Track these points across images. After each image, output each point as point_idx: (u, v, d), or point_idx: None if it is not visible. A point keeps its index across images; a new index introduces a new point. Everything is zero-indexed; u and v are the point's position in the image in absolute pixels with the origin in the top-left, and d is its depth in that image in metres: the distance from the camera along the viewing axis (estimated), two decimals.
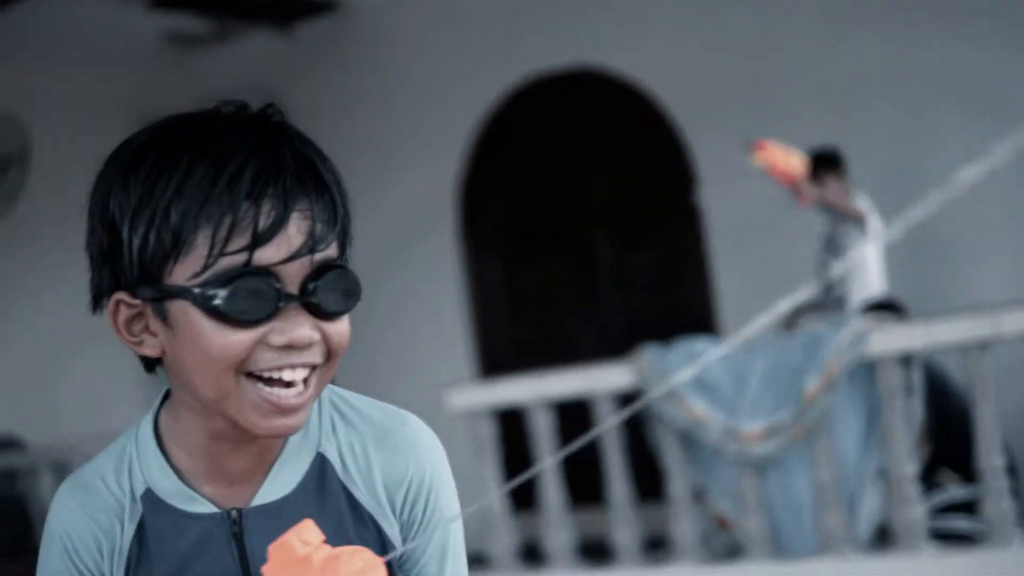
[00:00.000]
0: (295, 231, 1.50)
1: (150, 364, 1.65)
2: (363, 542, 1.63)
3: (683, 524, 7.46)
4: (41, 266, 11.61)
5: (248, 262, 1.48)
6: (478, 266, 11.41)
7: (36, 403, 11.39)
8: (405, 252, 11.45)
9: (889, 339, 6.89)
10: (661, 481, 7.65)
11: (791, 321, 8.45)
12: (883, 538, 7.07)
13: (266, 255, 1.48)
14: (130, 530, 1.65)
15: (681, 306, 10.61)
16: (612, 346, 9.99)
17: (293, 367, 1.53)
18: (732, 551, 7.46)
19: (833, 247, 8.53)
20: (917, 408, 7.05)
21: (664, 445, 7.52)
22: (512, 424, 8.46)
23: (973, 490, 7.00)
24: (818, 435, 6.99)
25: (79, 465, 6.97)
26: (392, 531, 1.69)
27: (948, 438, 7.29)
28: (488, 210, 11.35)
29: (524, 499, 8.07)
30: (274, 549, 1.38)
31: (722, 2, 10.16)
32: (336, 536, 1.60)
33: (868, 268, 8.34)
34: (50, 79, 11.98)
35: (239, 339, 1.50)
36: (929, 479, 7.23)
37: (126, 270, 1.54)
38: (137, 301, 1.56)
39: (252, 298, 1.48)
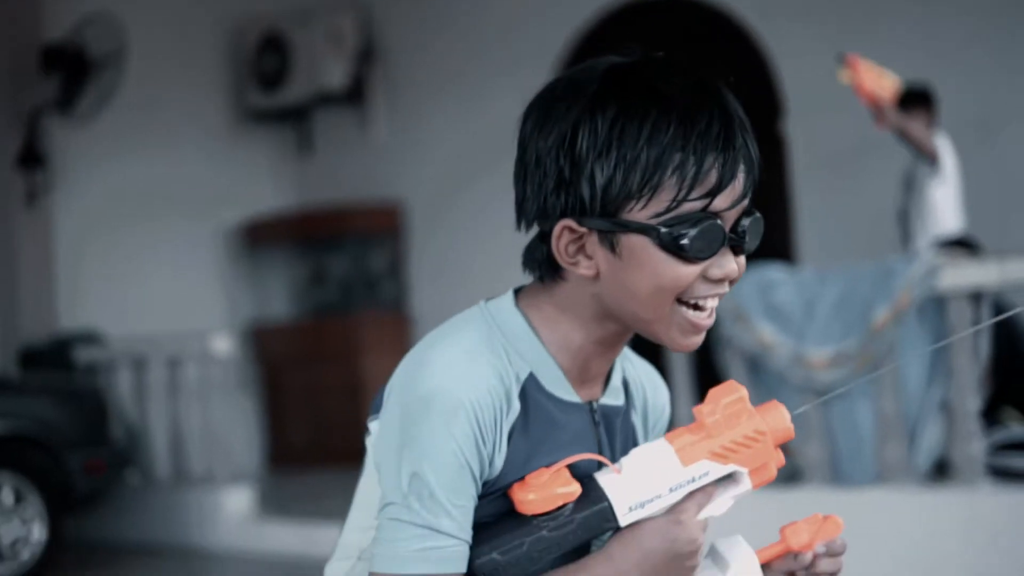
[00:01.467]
0: (739, 183, 1.74)
1: (541, 276, 1.84)
2: (624, 450, 1.90)
3: None
4: (126, 170, 11.78)
5: (706, 208, 1.71)
6: None
7: (117, 299, 11.58)
8: (491, 175, 11.51)
9: (960, 275, 6.87)
10: None
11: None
12: (941, 471, 7.09)
13: (718, 202, 1.72)
14: (517, 405, 1.77)
15: (763, 235, 10.61)
16: None
17: (716, 296, 1.78)
18: (791, 476, 7.50)
19: (908, 184, 8.50)
20: (984, 345, 7.04)
21: (731, 368, 7.56)
22: None
23: None
24: (884, 366, 7.01)
25: (155, 360, 7.06)
26: (641, 437, 2.01)
27: (1013, 376, 7.29)
28: None
29: None
30: (714, 391, 1.75)
31: None
32: (622, 434, 1.93)
33: (938, 207, 8.29)
34: None
35: (689, 272, 1.73)
36: (991, 416, 7.24)
37: (584, 201, 1.73)
38: (583, 229, 1.74)
39: (707, 239, 1.71)
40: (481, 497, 1.75)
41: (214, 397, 10.02)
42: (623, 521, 1.72)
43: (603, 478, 1.73)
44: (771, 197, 10.54)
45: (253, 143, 12.96)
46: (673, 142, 1.69)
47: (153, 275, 11.91)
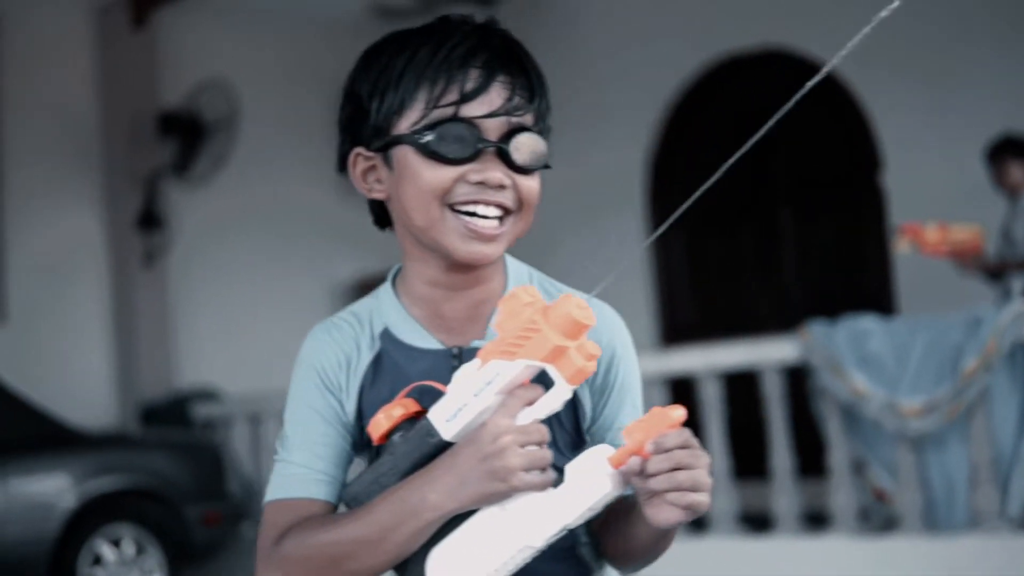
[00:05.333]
0: (496, 96, 1.88)
1: (380, 221, 2.08)
2: None
3: (842, 496, 7.61)
4: (241, 229, 12.10)
5: (456, 114, 1.87)
6: (664, 238, 11.63)
7: (232, 356, 11.87)
8: (594, 224, 11.71)
9: None
10: (822, 455, 7.81)
11: (997, 269, 8.43)
12: None
13: (470, 110, 1.87)
14: (367, 356, 1.98)
15: (860, 283, 10.72)
16: (791, 319, 10.13)
17: (487, 204, 1.90)
18: (888, 524, 7.59)
19: (1005, 236, 8.55)
20: None
21: (827, 418, 7.68)
22: (683, 392, 8.69)
23: None
24: (975, 413, 7.10)
25: (270, 416, 7.46)
26: (583, 395, 1.98)
27: None
28: (676, 185, 11.56)
29: None
30: (503, 301, 1.75)
31: None
32: None
33: None
34: (260, 47, 12.48)
35: (444, 173, 1.88)
36: None
37: (366, 129, 1.95)
38: (371, 153, 1.96)
39: (456, 141, 1.87)
40: (363, 450, 1.98)
41: None
42: (445, 433, 1.78)
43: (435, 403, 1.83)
44: (869, 247, 10.65)
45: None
46: (426, 60, 1.88)
47: (267, 332, 12.18)
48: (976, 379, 7.04)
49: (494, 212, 1.91)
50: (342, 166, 2.04)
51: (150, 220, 11.43)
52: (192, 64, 11.81)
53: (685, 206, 1.86)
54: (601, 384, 2.00)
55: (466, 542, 1.78)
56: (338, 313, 2.06)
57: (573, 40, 11.92)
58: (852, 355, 7.50)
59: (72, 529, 8.65)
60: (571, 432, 1.98)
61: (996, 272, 8.56)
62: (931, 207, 9.89)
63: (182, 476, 9.26)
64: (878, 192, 10.46)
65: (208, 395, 11.09)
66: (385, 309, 2.02)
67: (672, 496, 1.72)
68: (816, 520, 7.99)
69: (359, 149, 1.98)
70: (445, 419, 1.78)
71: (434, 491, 1.76)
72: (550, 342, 1.69)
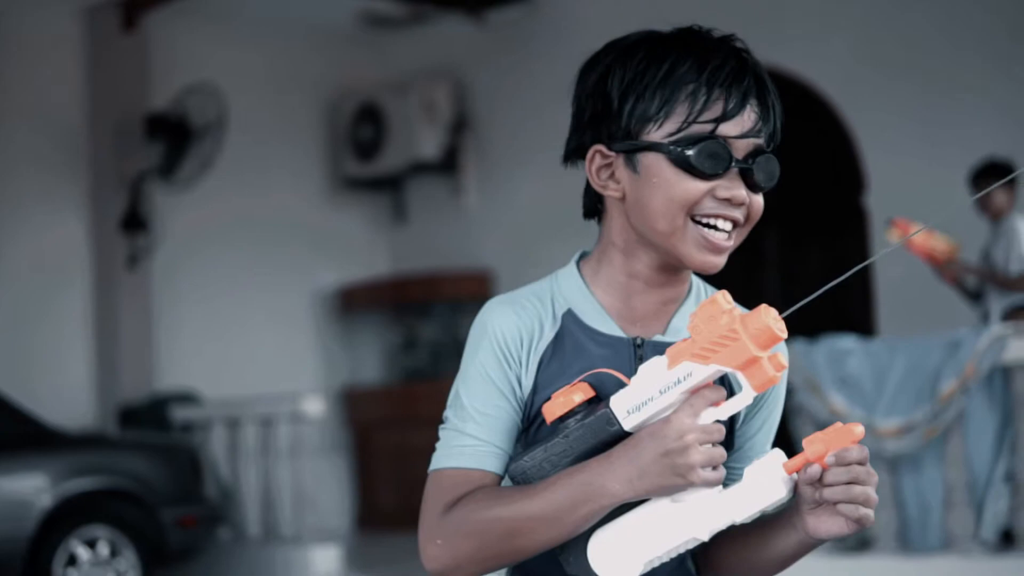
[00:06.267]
0: (748, 118, 1.97)
1: (591, 213, 2.13)
2: None
3: None
4: (226, 234, 12.13)
5: (713, 132, 1.94)
6: None
7: (213, 361, 11.89)
8: (578, 243, 11.71)
9: None
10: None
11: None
12: (1007, 541, 7.18)
13: (726, 129, 1.95)
14: (549, 335, 2.02)
15: (843, 305, 10.75)
16: None
17: (726, 218, 1.97)
18: (863, 544, 7.62)
19: (986, 259, 8.61)
20: None
21: (803, 436, 7.69)
22: None
23: None
24: (951, 435, 7.14)
25: (249, 421, 7.51)
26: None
27: None
28: None
29: None
30: (703, 305, 1.81)
31: (905, 10, 10.27)
32: None
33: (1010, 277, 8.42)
34: (250, 53, 12.52)
35: (696, 187, 1.95)
36: None
37: (612, 128, 2.00)
38: (612, 153, 2.00)
39: (712, 158, 1.94)
40: (531, 424, 2.00)
41: (305, 458, 10.25)
42: (625, 424, 1.84)
43: (616, 392, 1.88)
44: (851, 267, 10.67)
45: (349, 211, 13.27)
46: (688, 73, 1.95)
47: (249, 338, 12.21)
48: (953, 402, 7.08)
49: (729, 225, 1.98)
50: (572, 157, 2.10)
51: (135, 223, 11.42)
52: (181, 68, 11.81)
53: (823, 290, 1.93)
54: (759, 395, 2.03)
55: (633, 528, 1.85)
56: (516, 291, 2.10)
57: (567, 52, 11.82)
58: (831, 375, 7.54)
59: (48, 529, 8.63)
60: (727, 432, 2.01)
61: (975, 294, 8.62)
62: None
63: (159, 478, 9.25)
64: (862, 214, 10.50)
65: (187, 398, 11.10)
66: (569, 291, 2.06)
67: (846, 508, 1.83)
68: None
69: (599, 146, 2.02)
70: (627, 410, 1.84)
71: (614, 479, 1.82)
72: (748, 351, 1.77)
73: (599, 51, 2.06)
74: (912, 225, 8.49)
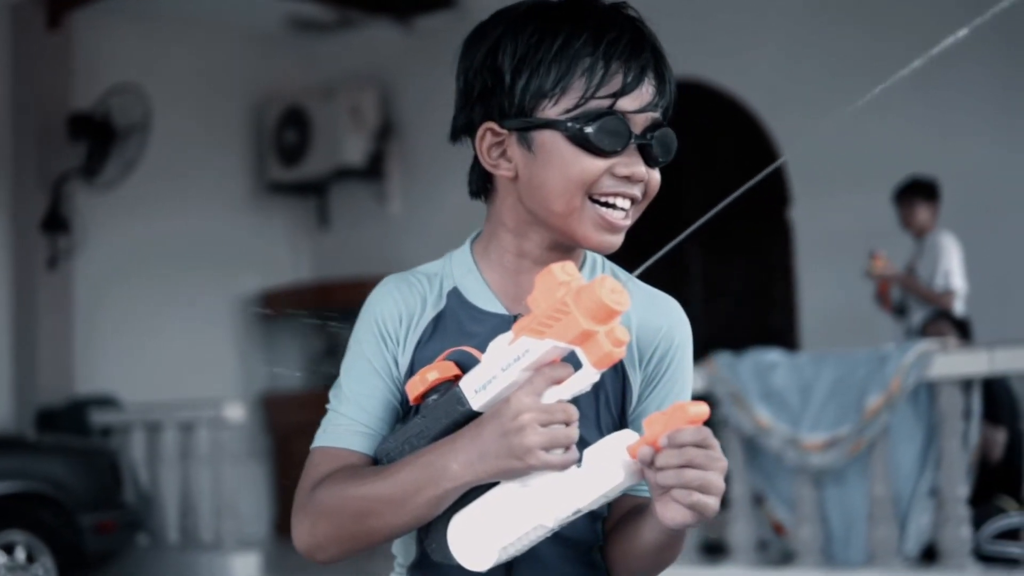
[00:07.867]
0: (646, 91, 1.90)
1: (478, 193, 2.05)
2: (610, 383, 1.96)
3: (740, 528, 7.67)
4: (148, 236, 12.03)
5: (612, 107, 1.87)
6: None
7: (133, 364, 11.79)
8: None
9: (951, 363, 7.06)
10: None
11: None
12: (930, 556, 7.24)
13: (624, 104, 1.88)
14: (430, 313, 1.98)
15: (767, 318, 10.81)
16: (698, 353, 10.20)
17: (624, 196, 1.91)
18: (785, 557, 7.66)
19: (911, 275, 8.71)
20: (974, 432, 7.21)
21: (728, 450, 7.72)
22: None
23: None
24: (876, 450, 7.18)
25: (169, 425, 7.48)
26: (634, 379, 2.00)
27: (1014, 463, 7.40)
28: None
29: None
30: (539, 277, 1.72)
31: (831, 25, 10.34)
32: None
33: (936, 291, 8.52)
34: (176, 54, 12.43)
35: (595, 165, 1.88)
36: (991, 503, 7.35)
37: (504, 105, 1.92)
38: (503, 131, 1.93)
39: (612, 135, 1.87)
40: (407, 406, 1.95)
41: (225, 463, 10.19)
42: (473, 403, 1.78)
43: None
44: (776, 281, 10.74)
45: (272, 215, 13.22)
46: (584, 47, 1.87)
47: (170, 342, 12.12)
48: (879, 417, 7.13)
49: (627, 204, 1.93)
50: (459, 135, 2.03)
51: (56, 223, 11.30)
52: (106, 68, 11.71)
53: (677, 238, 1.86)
54: (652, 371, 2.02)
55: (485, 513, 1.79)
56: (413, 269, 2.06)
57: None
58: (756, 388, 7.57)
59: None
60: (617, 414, 1.98)
61: (899, 309, 8.72)
62: (839, 244, 10.01)
63: (77, 483, 9.13)
64: (787, 228, 10.56)
65: (107, 402, 10.99)
66: (457, 270, 2.03)
67: (678, 493, 1.70)
68: (714, 551, 8.03)
69: (491, 124, 1.95)
70: (475, 389, 1.79)
71: (456, 461, 1.77)
72: (579, 326, 1.67)
73: (486, 22, 2.00)
74: (889, 260, 8.60)
